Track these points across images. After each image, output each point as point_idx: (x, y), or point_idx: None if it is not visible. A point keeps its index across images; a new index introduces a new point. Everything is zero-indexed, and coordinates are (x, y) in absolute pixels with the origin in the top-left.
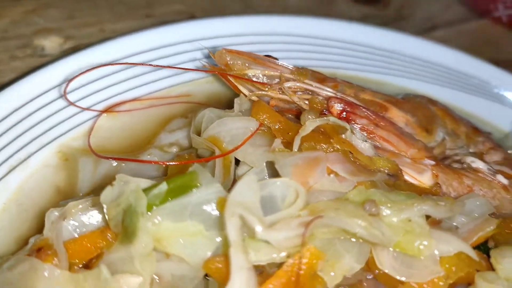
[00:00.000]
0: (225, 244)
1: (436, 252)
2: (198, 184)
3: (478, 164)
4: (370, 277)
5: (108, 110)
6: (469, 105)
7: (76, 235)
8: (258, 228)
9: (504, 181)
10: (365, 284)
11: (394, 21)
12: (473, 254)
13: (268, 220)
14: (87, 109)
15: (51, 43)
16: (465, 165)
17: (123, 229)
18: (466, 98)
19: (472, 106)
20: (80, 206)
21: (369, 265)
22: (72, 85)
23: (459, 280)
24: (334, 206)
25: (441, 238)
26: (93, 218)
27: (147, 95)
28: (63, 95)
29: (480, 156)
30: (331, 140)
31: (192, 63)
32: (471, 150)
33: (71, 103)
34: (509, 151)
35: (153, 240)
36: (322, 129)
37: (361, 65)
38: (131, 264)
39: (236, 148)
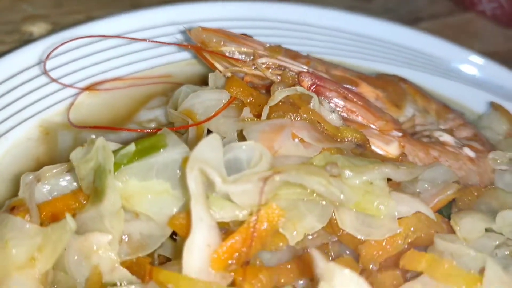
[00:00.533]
0: (189, 200)
1: (396, 213)
2: (165, 145)
3: (445, 137)
4: (334, 239)
5: (90, 87)
6: (446, 89)
7: (50, 198)
8: (217, 181)
9: (471, 153)
10: (330, 246)
11: (380, 13)
12: (431, 214)
13: (231, 179)
14: (69, 86)
15: (38, 29)
16: (433, 139)
17: (94, 189)
18: (442, 82)
19: (448, 90)
20: (55, 171)
21: (333, 228)
22: (56, 62)
23: (419, 241)
24: (297, 167)
25: (401, 200)
26: (67, 182)
27: (129, 75)
28: (44, 71)
29: (450, 132)
30: (299, 110)
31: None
32: (441, 127)
33: (53, 80)
34: (481, 131)
35: (122, 198)
36: (291, 100)
37: (333, 50)
38: (101, 222)
39: (209, 119)
